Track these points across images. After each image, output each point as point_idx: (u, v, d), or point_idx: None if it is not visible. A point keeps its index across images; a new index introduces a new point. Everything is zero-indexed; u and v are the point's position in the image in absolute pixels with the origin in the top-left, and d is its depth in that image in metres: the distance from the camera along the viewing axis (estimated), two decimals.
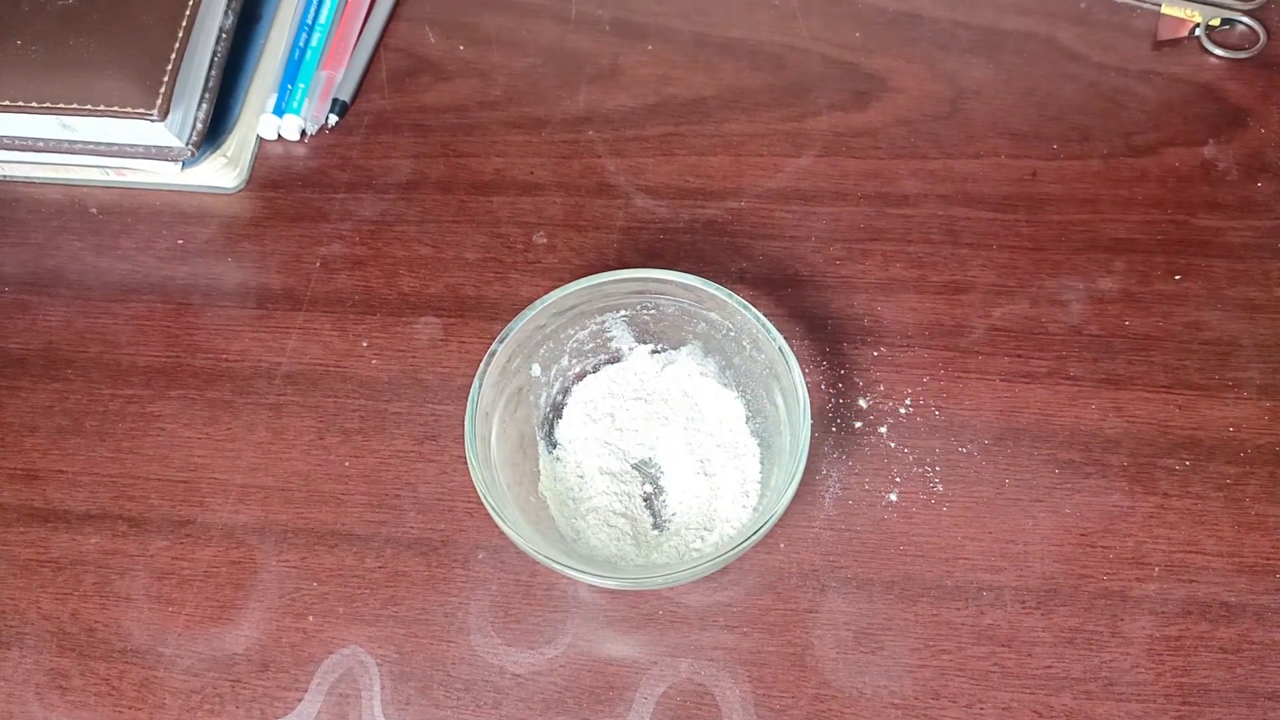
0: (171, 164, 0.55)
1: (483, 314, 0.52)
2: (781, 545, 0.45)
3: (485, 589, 0.46)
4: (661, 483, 0.47)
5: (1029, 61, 0.56)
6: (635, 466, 0.47)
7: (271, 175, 0.57)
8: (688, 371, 0.48)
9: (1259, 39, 0.55)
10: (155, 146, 0.54)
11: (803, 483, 0.41)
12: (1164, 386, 0.48)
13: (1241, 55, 0.55)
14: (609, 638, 0.44)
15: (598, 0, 0.60)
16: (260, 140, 0.58)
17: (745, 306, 0.43)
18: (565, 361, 0.48)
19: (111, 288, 0.54)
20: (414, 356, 0.51)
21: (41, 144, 0.55)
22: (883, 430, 0.47)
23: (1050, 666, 0.43)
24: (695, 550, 0.44)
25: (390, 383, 0.50)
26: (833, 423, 0.48)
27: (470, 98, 0.58)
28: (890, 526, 0.46)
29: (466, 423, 0.42)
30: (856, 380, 0.49)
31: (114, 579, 0.47)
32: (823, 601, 0.44)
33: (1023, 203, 0.52)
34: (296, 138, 0.57)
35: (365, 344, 0.51)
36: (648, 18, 0.60)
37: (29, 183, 0.58)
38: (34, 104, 0.52)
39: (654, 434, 0.47)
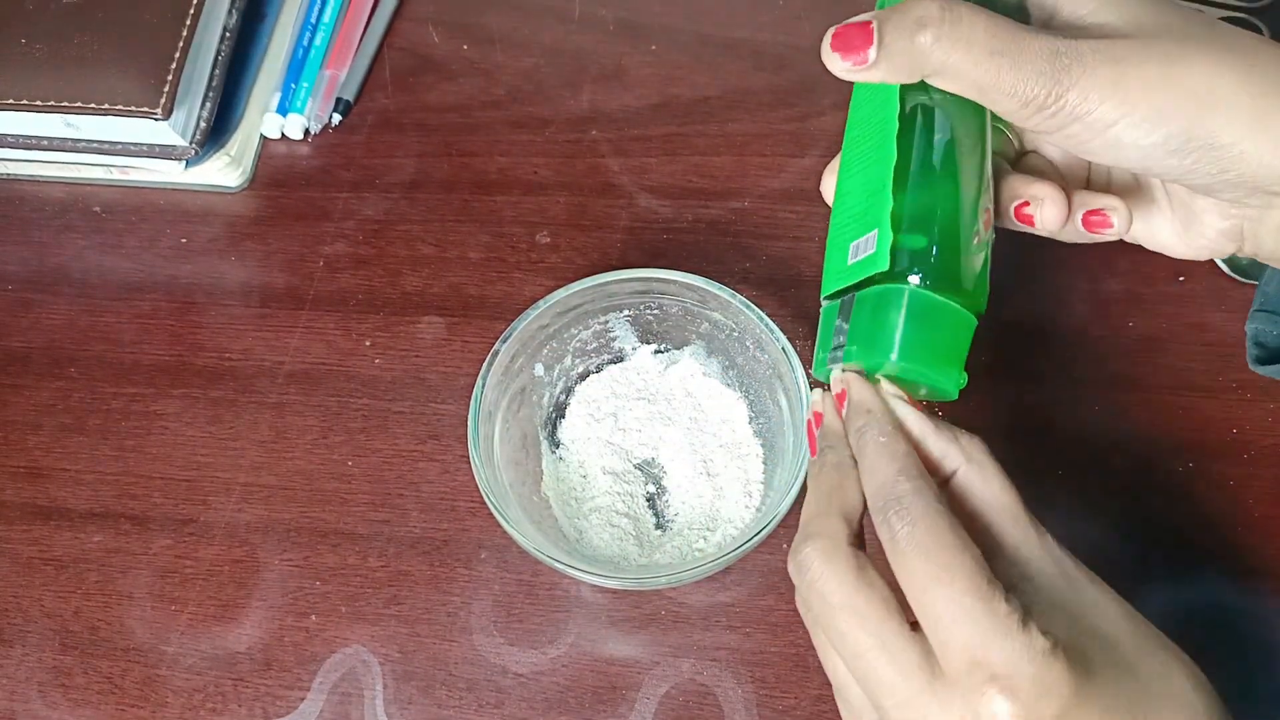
0: (175, 162, 0.55)
1: (486, 313, 0.52)
2: (784, 546, 0.45)
3: (488, 588, 0.46)
4: (664, 483, 0.47)
5: None
6: (638, 466, 0.47)
7: (275, 174, 0.57)
8: (691, 371, 0.48)
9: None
10: (159, 145, 0.54)
11: (805, 483, 0.41)
12: (1167, 388, 0.48)
13: None
14: (611, 638, 0.44)
15: (601, 0, 0.60)
16: (264, 139, 0.58)
17: (749, 306, 0.43)
18: (568, 361, 0.48)
19: (115, 286, 0.54)
20: (417, 356, 0.51)
21: (45, 142, 0.55)
22: None
23: None
24: (698, 550, 0.44)
25: (393, 382, 0.50)
26: None
27: (474, 97, 0.58)
28: None
29: (469, 422, 0.42)
30: None
31: (117, 577, 0.47)
32: None
33: None
34: (300, 137, 0.57)
35: (368, 343, 0.51)
36: (651, 18, 0.60)
37: (33, 181, 0.58)
38: (38, 102, 0.52)
39: (657, 434, 0.47)
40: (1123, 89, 0.30)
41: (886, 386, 0.34)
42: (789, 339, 0.43)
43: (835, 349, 0.35)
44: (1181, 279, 0.50)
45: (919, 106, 0.34)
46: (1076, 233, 0.36)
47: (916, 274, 0.32)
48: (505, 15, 0.60)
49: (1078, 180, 0.38)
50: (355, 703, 0.44)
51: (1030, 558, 0.31)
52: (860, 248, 0.34)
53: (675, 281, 0.44)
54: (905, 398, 0.34)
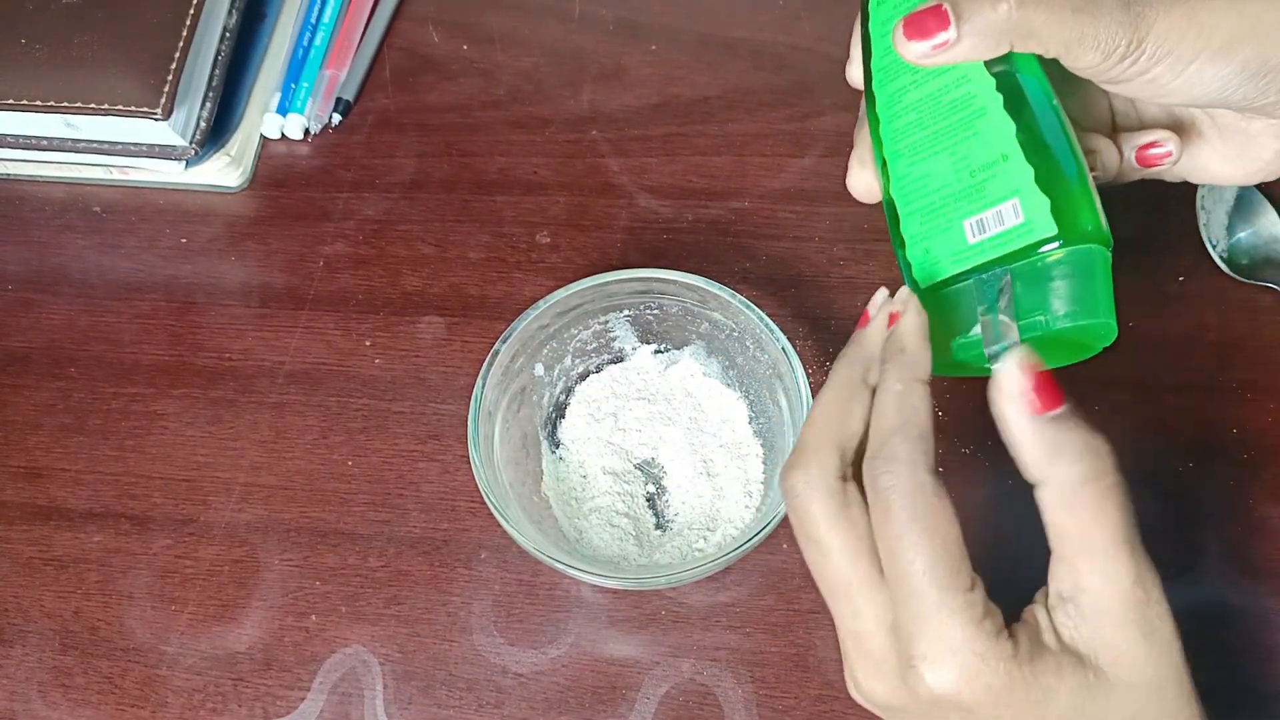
0: (175, 163, 0.55)
1: (486, 313, 0.52)
2: (784, 546, 0.45)
3: (488, 588, 0.46)
4: (664, 483, 0.47)
5: None
6: (638, 466, 0.47)
7: (275, 174, 0.57)
8: (691, 371, 0.48)
9: None
10: (159, 145, 0.54)
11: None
12: (1167, 388, 0.48)
13: None
14: (611, 638, 0.44)
15: (601, 0, 0.60)
16: (264, 139, 0.58)
17: (748, 306, 0.43)
18: (568, 361, 0.48)
19: (115, 286, 0.54)
20: (417, 356, 0.51)
21: (45, 142, 0.55)
22: None
23: None
24: (698, 550, 0.44)
25: (393, 382, 0.50)
26: None
27: (474, 97, 0.58)
28: None
29: (469, 422, 0.42)
30: None
31: (117, 577, 0.47)
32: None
33: None
34: (300, 137, 0.57)
35: (368, 343, 0.51)
36: (651, 17, 0.60)
37: (33, 181, 0.58)
38: (38, 102, 0.52)
39: (657, 434, 0.47)
40: (1197, 24, 0.32)
41: (1005, 399, 0.33)
42: (789, 339, 0.43)
43: (1000, 327, 0.34)
44: (1181, 279, 0.50)
45: (1000, 76, 0.34)
46: (1133, 171, 0.38)
47: (1075, 234, 0.33)
48: (505, 15, 0.60)
49: (1105, 131, 0.40)
50: (355, 703, 0.44)
51: (1090, 587, 0.30)
52: (987, 223, 0.34)
53: (675, 281, 0.44)
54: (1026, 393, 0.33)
